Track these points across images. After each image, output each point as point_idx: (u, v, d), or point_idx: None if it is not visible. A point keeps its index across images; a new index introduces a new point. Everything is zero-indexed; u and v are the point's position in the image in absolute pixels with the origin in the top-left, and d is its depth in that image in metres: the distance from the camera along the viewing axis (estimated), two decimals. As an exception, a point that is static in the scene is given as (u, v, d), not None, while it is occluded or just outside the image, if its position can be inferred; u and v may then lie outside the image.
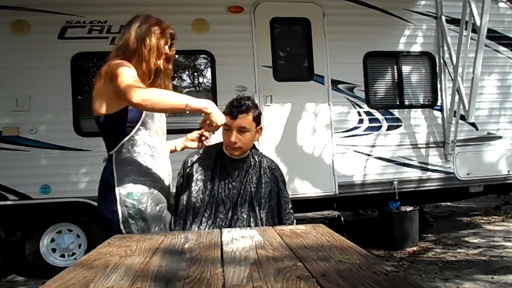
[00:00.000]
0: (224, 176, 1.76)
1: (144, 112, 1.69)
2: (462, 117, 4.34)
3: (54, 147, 3.80)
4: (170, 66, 1.84)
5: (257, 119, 1.79)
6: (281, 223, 1.76)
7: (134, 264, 1.04)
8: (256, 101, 1.99)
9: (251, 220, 1.71)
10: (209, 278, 0.91)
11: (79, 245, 3.88)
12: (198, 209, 1.72)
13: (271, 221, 1.73)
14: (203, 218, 1.70)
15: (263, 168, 1.80)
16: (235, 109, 1.73)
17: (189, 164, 1.79)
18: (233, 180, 1.76)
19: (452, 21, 4.53)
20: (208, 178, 1.76)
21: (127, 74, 1.60)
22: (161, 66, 1.76)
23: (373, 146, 4.38)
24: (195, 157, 1.82)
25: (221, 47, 4.07)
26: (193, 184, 1.75)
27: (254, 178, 1.77)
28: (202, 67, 4.47)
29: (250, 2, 4.18)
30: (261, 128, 1.83)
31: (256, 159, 1.82)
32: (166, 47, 1.78)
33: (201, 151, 1.85)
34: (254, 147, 1.87)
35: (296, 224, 1.74)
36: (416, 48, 4.61)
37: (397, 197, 4.30)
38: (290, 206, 1.81)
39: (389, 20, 4.49)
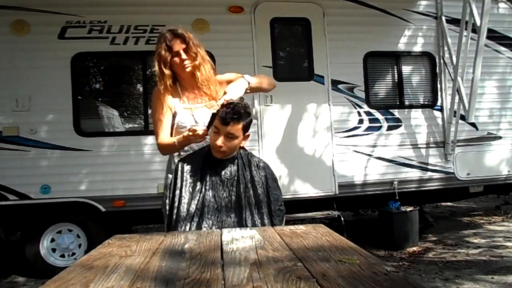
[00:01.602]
0: (214, 177, 1.77)
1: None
2: (462, 117, 4.33)
3: (54, 147, 3.80)
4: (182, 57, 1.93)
5: (246, 127, 1.80)
6: (272, 221, 1.77)
7: (134, 264, 1.04)
8: (251, 106, 1.99)
9: (244, 220, 1.71)
10: (209, 278, 0.91)
11: (79, 245, 3.88)
12: (189, 212, 1.72)
13: (263, 219, 1.74)
14: (194, 222, 1.70)
15: (253, 167, 1.81)
16: (228, 115, 1.73)
17: (179, 168, 1.79)
18: (223, 181, 1.77)
19: (452, 21, 4.53)
20: (198, 181, 1.77)
21: (155, 117, 1.96)
22: (169, 71, 1.92)
23: (373, 146, 4.38)
24: (185, 160, 1.82)
25: (221, 47, 4.06)
26: (184, 187, 1.75)
27: (244, 178, 1.78)
28: (202, 67, 4.46)
29: (250, 2, 4.18)
30: (248, 135, 1.84)
31: (244, 159, 1.83)
32: (164, 53, 1.89)
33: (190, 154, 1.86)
34: (242, 147, 1.88)
35: (296, 224, 1.74)
36: (416, 48, 4.61)
37: (397, 197, 4.30)
38: (280, 203, 1.81)
39: (389, 20, 4.49)
